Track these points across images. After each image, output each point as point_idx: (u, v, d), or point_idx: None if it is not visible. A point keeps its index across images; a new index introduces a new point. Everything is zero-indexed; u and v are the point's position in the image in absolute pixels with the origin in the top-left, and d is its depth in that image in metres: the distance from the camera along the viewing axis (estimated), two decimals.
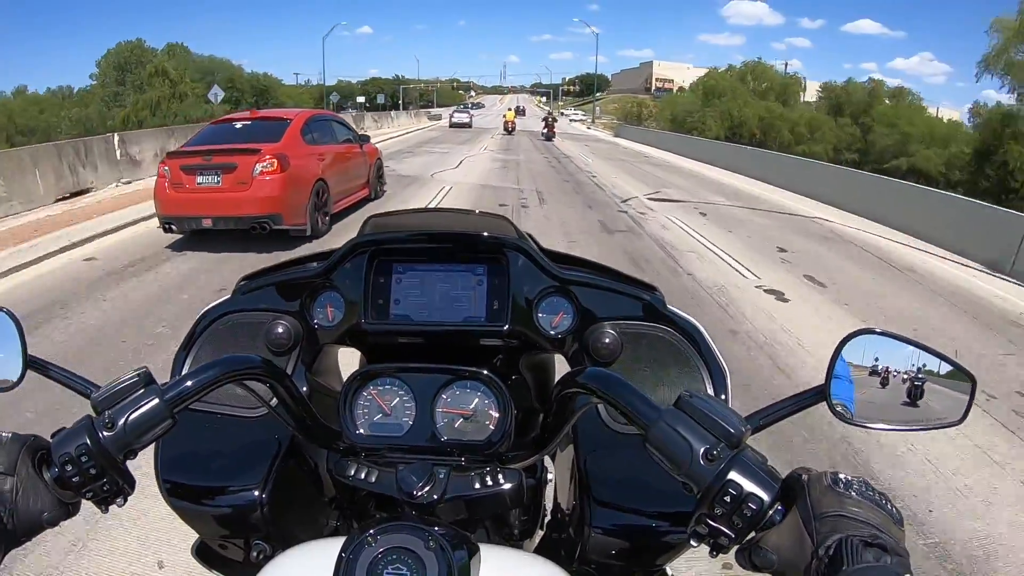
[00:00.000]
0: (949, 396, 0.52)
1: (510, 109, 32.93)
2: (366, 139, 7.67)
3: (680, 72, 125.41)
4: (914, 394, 0.52)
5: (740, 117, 32.42)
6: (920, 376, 0.52)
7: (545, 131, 23.76)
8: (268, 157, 5.41)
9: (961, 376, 0.52)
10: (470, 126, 33.02)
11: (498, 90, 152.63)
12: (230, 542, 0.71)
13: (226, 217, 5.38)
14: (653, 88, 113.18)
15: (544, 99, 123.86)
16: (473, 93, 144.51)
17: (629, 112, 36.85)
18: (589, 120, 52.85)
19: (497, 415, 0.64)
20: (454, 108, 45.17)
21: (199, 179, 5.44)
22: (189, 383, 0.51)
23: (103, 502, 0.49)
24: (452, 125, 32.58)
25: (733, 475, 0.43)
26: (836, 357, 0.53)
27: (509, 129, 26.69)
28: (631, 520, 0.65)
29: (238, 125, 6.18)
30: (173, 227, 5.59)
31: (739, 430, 0.45)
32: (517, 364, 0.83)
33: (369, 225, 0.81)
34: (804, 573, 0.41)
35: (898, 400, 0.53)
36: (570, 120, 54.67)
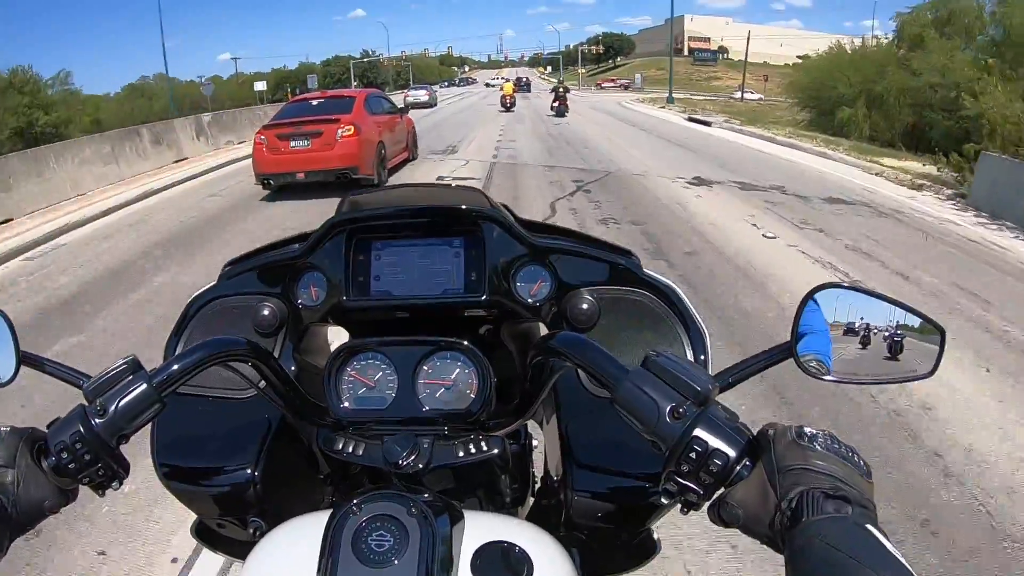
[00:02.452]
0: (920, 348, 0.66)
1: (508, 80, 33.46)
2: (405, 111, 11.64)
3: (717, 28, 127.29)
4: (894, 349, 0.65)
5: None
6: (899, 332, 0.65)
7: (556, 105, 23.97)
8: (347, 125, 9.11)
9: (930, 328, 0.65)
10: (432, 106, 32.97)
11: (494, 64, 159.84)
12: (227, 521, 0.90)
13: (316, 171, 9.03)
14: (687, 49, 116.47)
15: (548, 69, 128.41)
16: (466, 68, 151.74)
17: None
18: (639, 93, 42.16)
19: (477, 384, 0.79)
20: (411, 87, 44.77)
21: (292, 143, 9.10)
22: (175, 366, 0.65)
23: (100, 487, 0.63)
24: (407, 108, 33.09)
25: (699, 432, 0.54)
26: (800, 313, 0.65)
27: (507, 104, 27.01)
28: (614, 482, 0.82)
29: (314, 103, 10.07)
30: (271, 182, 9.29)
31: (706, 388, 0.56)
32: (499, 333, 1.02)
33: (346, 204, 0.99)
34: (768, 527, 0.52)
35: (878, 355, 0.65)
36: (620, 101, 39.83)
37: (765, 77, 53.86)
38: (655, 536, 0.90)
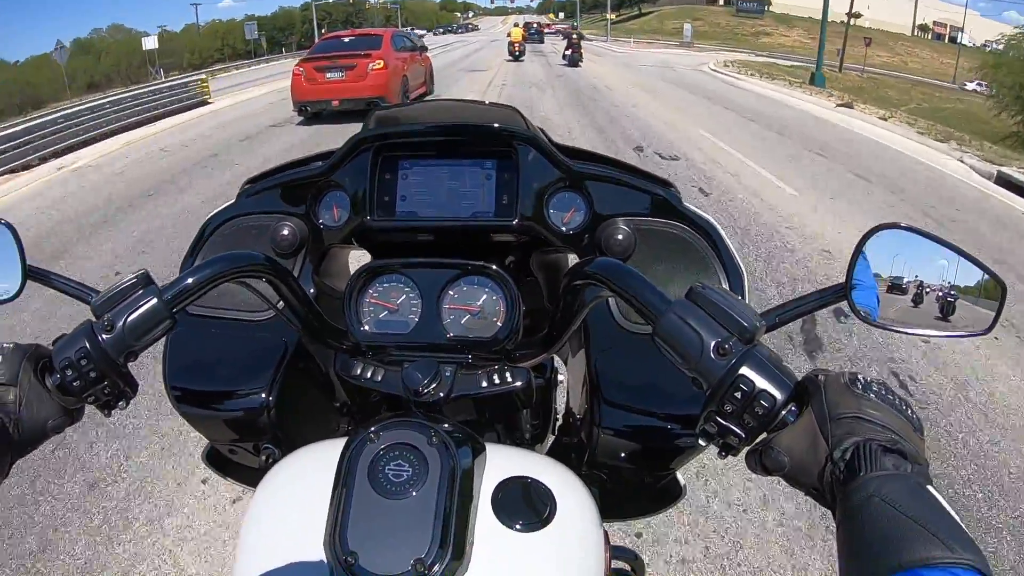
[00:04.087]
0: (976, 302, 0.68)
1: (516, 25, 34.20)
2: (424, 49, 14.68)
3: None
4: (946, 309, 0.67)
5: None
6: (952, 292, 0.67)
7: (568, 53, 25.14)
8: (377, 59, 11.97)
9: (990, 282, 0.67)
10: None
11: (501, 11, 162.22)
12: (239, 446, 0.99)
13: (349, 99, 11.84)
14: None
15: (560, 16, 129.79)
16: (471, 13, 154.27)
17: None
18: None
19: (504, 311, 0.85)
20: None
21: (328, 75, 11.95)
22: (188, 280, 0.70)
23: (106, 406, 0.69)
24: None
25: (745, 370, 0.57)
26: (858, 253, 0.68)
27: (515, 53, 28.00)
28: (641, 421, 0.88)
29: (346, 39, 13.10)
30: (308, 108, 12.16)
31: (753, 324, 0.59)
32: (528, 263, 1.09)
33: (373, 119, 1.04)
34: (818, 478, 0.53)
35: (926, 309, 0.68)
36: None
37: (868, 41, 41.60)
38: (680, 480, 0.98)
